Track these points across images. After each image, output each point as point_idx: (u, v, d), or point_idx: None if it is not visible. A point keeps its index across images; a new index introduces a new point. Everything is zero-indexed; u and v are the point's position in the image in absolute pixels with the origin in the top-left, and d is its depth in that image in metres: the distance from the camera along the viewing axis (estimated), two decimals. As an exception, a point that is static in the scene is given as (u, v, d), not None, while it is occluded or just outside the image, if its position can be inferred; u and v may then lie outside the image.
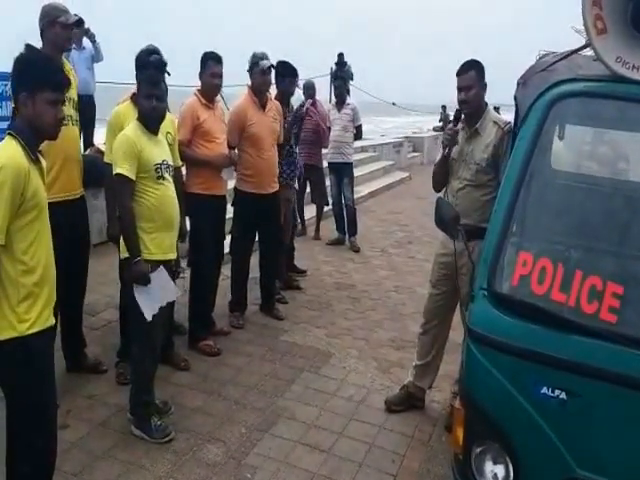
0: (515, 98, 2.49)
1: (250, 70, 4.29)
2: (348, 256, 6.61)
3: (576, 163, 2.32)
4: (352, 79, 13.15)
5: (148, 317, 2.93)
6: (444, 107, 17.93)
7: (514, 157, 2.01)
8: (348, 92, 11.51)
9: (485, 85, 3.06)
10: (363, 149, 11.03)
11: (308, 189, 6.91)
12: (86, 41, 6.85)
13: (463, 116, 3.11)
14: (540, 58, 2.71)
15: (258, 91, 4.30)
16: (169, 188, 3.06)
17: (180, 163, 3.65)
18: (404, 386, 3.53)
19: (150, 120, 3.01)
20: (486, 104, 3.11)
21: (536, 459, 1.73)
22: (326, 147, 6.66)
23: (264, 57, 4.25)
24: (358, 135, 6.89)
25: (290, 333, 4.46)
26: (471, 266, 2.94)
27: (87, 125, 6.25)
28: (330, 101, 8.89)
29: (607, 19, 1.94)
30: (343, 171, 6.86)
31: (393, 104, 16.91)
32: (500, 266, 1.82)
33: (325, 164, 6.91)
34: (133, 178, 2.90)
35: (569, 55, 2.27)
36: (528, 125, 2.01)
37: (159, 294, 2.99)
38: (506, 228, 1.87)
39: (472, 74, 3.00)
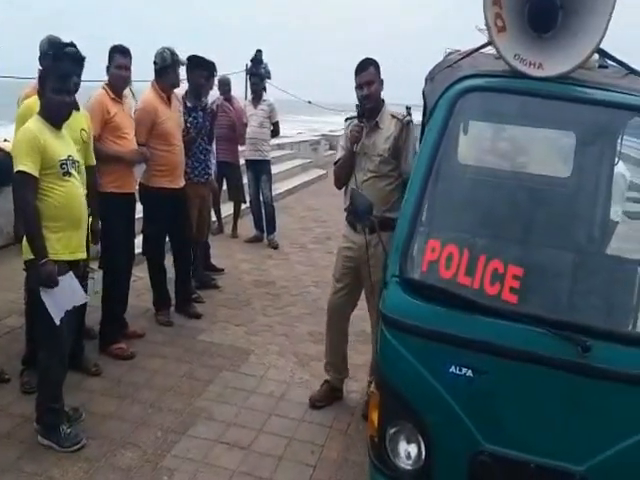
0: (423, 94, 2.59)
1: (163, 68, 4.18)
2: (267, 253, 6.60)
3: (479, 156, 2.44)
4: (269, 77, 13.09)
5: (57, 320, 2.79)
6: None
7: (422, 150, 2.08)
8: (265, 90, 11.44)
9: (382, 81, 3.18)
10: (280, 147, 11.04)
11: (225, 186, 6.84)
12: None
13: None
14: (447, 56, 2.83)
15: (170, 87, 4.24)
16: (76, 185, 2.92)
17: (94, 162, 3.51)
18: (325, 381, 3.57)
19: (58, 115, 2.88)
20: (382, 100, 3.22)
21: (446, 436, 1.81)
22: (242, 144, 6.61)
23: (174, 53, 4.18)
24: (275, 132, 6.87)
25: (208, 332, 4.39)
26: (383, 256, 3.05)
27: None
28: (246, 98, 8.82)
29: (506, 17, 2.05)
30: (261, 168, 6.83)
31: (309, 102, 16.99)
32: (410, 253, 1.88)
33: (242, 161, 6.85)
34: (36, 175, 2.75)
35: (472, 52, 2.38)
36: (434, 120, 2.09)
37: (67, 297, 2.87)
38: (416, 218, 1.93)
39: (371, 70, 3.11)
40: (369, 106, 3.14)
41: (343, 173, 3.28)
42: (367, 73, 3.10)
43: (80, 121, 3.23)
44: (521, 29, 2.09)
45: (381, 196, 3.09)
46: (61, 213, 2.83)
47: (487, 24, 2.08)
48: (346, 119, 3.37)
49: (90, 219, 3.52)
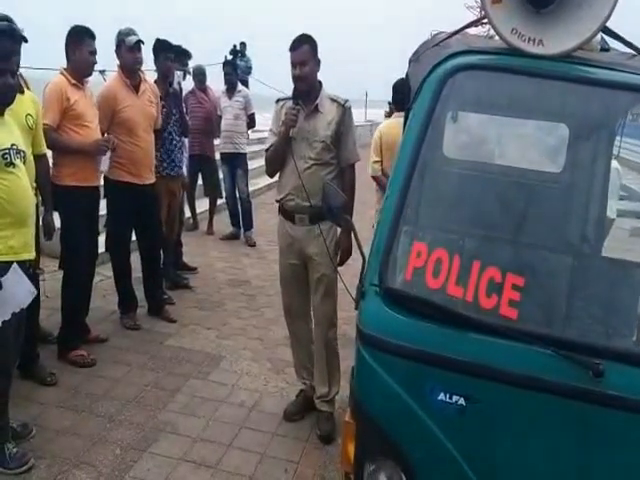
0: (407, 76, 2.32)
1: (117, 49, 3.94)
2: (243, 251, 6.33)
3: (472, 148, 2.17)
4: (249, 73, 12.86)
5: None
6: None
7: (406, 139, 1.81)
8: (246, 84, 11.21)
9: (319, 61, 2.93)
10: (260, 140, 10.70)
11: (200, 181, 6.54)
12: None
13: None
14: (433, 36, 2.56)
15: (129, 71, 3.96)
16: (21, 177, 2.63)
17: (45, 150, 3.24)
18: (301, 391, 3.34)
19: (2, 100, 2.58)
20: (320, 83, 2.98)
21: (434, 476, 1.55)
22: (218, 136, 6.33)
23: (130, 33, 3.89)
24: (251, 124, 6.61)
25: (176, 337, 4.11)
26: (325, 252, 2.86)
27: None
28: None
29: (502, -13, 1.79)
30: (236, 162, 6.55)
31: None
32: (393, 258, 1.61)
33: (218, 155, 6.55)
34: None
35: (464, 29, 2.12)
36: (419, 105, 1.81)
37: (11, 299, 2.57)
38: (399, 217, 1.65)
39: (306, 48, 2.85)
40: (302, 88, 2.88)
41: (277, 160, 3.00)
42: (301, 52, 2.83)
43: (26, 105, 2.94)
44: (518, 1, 1.83)
45: (322, 185, 2.86)
46: (3, 209, 2.53)
47: (480, -6, 1.82)
48: (277, 100, 3.09)
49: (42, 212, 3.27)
